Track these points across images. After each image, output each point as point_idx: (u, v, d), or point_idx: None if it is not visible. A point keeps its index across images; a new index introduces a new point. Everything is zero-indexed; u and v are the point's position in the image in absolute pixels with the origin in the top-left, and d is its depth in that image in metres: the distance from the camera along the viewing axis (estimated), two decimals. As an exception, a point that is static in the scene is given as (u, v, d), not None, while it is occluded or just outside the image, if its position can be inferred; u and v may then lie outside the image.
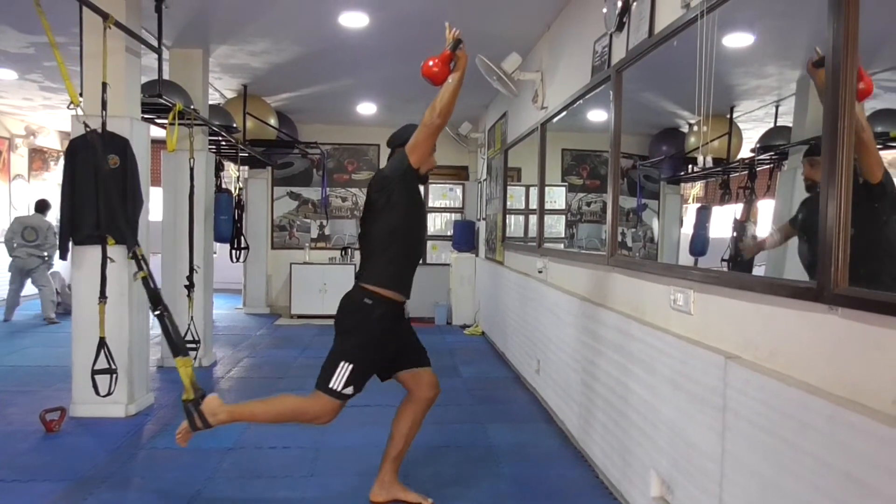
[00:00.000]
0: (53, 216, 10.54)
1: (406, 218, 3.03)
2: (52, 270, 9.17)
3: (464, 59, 2.90)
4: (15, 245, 8.68)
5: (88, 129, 3.99)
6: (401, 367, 3.18)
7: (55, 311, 8.89)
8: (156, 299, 3.64)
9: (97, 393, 4.11)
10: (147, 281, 3.69)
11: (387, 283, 2.98)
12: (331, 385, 2.90)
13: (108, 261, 4.25)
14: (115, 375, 4.19)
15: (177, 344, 3.45)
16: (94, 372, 4.12)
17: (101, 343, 4.13)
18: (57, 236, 8.94)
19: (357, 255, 9.82)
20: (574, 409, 4.06)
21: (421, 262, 9.00)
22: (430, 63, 2.86)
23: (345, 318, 3.01)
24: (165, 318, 3.55)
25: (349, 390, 2.91)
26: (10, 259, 8.76)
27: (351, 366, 2.90)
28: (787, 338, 2.05)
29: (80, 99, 3.86)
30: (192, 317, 5.75)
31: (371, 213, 3.06)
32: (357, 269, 3.11)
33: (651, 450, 2.88)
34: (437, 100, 2.87)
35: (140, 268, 3.74)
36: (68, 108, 3.85)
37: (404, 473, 3.50)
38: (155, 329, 6.07)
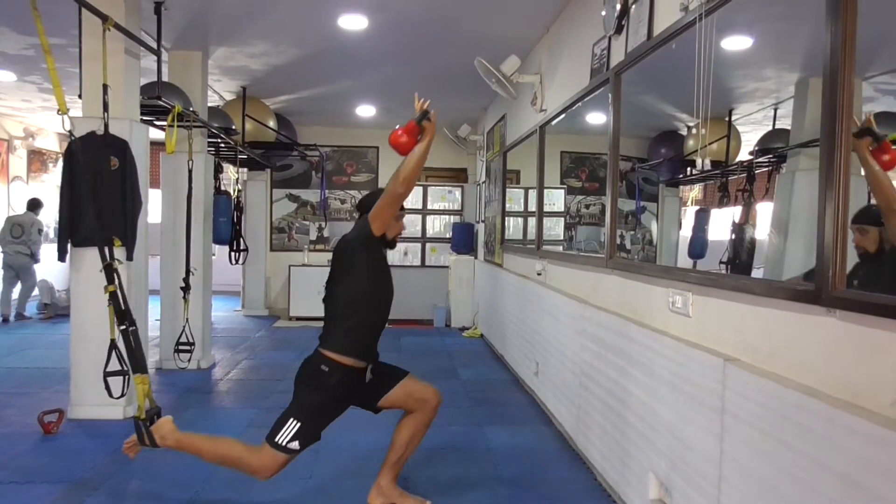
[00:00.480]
0: (51, 217, 10.57)
1: (369, 284, 3.00)
2: (40, 279, 9.27)
3: (430, 130, 2.89)
4: (6, 242, 8.90)
5: (74, 139, 3.96)
6: (377, 396, 3.13)
7: (41, 311, 9.14)
8: (122, 315, 3.64)
9: (110, 395, 4.09)
10: (115, 295, 3.68)
11: (346, 351, 2.95)
12: (276, 439, 2.90)
13: (116, 262, 4.23)
14: (128, 377, 4.17)
15: (137, 361, 3.47)
16: (107, 374, 4.10)
17: (113, 345, 4.11)
18: (42, 233, 9.07)
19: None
20: (572, 412, 4.06)
21: (420, 264, 8.96)
22: (399, 132, 2.86)
23: (301, 380, 3.00)
24: (130, 335, 3.57)
25: (294, 445, 2.91)
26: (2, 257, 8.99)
27: (299, 424, 2.90)
28: (785, 340, 2.05)
29: (70, 105, 3.83)
30: (187, 319, 5.74)
31: (334, 278, 3.04)
32: (321, 331, 3.06)
33: (649, 452, 2.88)
34: (401, 169, 2.86)
35: (110, 281, 3.72)
36: (56, 113, 3.83)
37: (403, 476, 3.50)
38: (154, 331, 6.10)
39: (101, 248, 3.78)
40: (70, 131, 3.88)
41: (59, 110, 3.73)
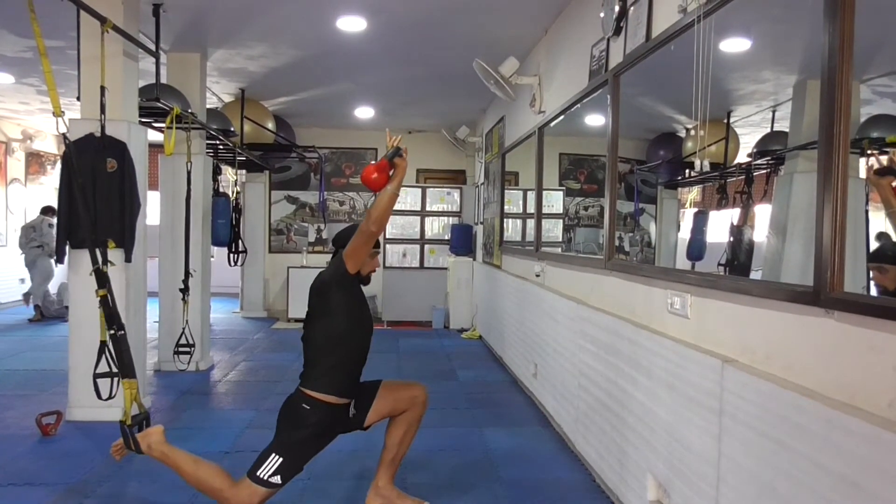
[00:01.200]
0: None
1: (347, 323, 2.98)
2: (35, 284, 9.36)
3: (402, 168, 2.87)
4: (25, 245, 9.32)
5: (67, 142, 3.95)
6: (362, 418, 3.12)
7: (35, 312, 9.23)
8: (112, 319, 3.63)
9: (99, 397, 4.09)
10: (106, 300, 3.67)
11: (327, 390, 2.93)
12: (258, 473, 2.88)
13: (110, 264, 4.23)
14: (117, 378, 4.17)
15: (126, 366, 3.47)
16: (96, 376, 4.10)
17: (103, 346, 4.11)
18: (53, 228, 9.16)
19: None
20: (571, 413, 4.06)
21: (419, 265, 8.97)
22: (370, 169, 2.86)
23: (283, 418, 2.99)
24: (119, 340, 3.57)
25: (276, 479, 2.89)
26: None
27: (281, 459, 2.89)
28: (783, 341, 2.06)
29: (63, 110, 3.82)
30: (186, 321, 5.74)
31: (312, 317, 3.01)
32: (302, 369, 3.04)
33: (648, 453, 2.88)
34: (372, 208, 2.85)
35: (101, 285, 3.71)
36: (53, 115, 3.82)
37: (401, 477, 3.50)
38: (152, 333, 6.09)
39: (93, 251, 3.77)
40: (65, 135, 3.87)
41: (54, 113, 3.72)
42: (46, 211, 9.40)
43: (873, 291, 1.92)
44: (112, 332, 3.60)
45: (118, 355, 3.54)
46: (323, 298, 2.97)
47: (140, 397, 3.36)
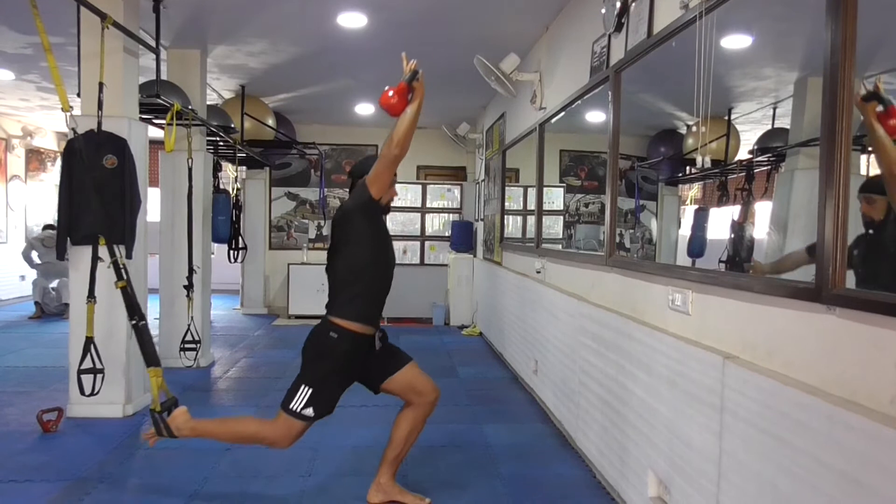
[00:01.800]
0: (50, 216, 10.61)
1: (371, 252, 3.02)
2: (34, 279, 9.33)
3: (420, 91, 2.89)
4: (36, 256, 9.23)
5: (76, 135, 3.96)
6: (381, 377, 3.14)
7: (35, 309, 9.22)
8: (133, 309, 3.66)
9: (82, 392, 4.09)
10: (126, 291, 3.69)
11: (354, 318, 2.96)
12: (291, 406, 2.93)
13: (99, 260, 4.23)
14: (101, 375, 4.16)
15: (150, 354, 3.49)
16: (80, 371, 4.10)
17: (88, 342, 4.10)
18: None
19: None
20: (572, 410, 4.06)
21: (420, 262, 8.98)
22: (389, 94, 2.84)
23: (310, 349, 3.02)
24: (141, 329, 3.60)
25: (309, 412, 2.93)
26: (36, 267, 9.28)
27: (311, 390, 2.93)
28: (784, 338, 2.06)
29: (72, 104, 3.84)
30: (191, 317, 5.74)
31: (336, 248, 3.05)
32: (327, 300, 3.08)
33: (648, 450, 2.88)
34: (394, 131, 2.86)
35: (119, 277, 3.74)
36: (62, 111, 3.84)
37: (402, 473, 3.51)
38: (153, 330, 6.09)
39: (109, 245, 3.81)
40: (73, 129, 3.88)
41: (62, 108, 3.74)
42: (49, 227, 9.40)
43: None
44: (134, 321, 3.65)
45: (141, 345, 3.58)
46: (346, 227, 2.99)
47: (165, 384, 3.40)
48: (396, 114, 2.86)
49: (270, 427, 2.99)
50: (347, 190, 3.15)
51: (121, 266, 3.82)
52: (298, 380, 2.97)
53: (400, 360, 3.18)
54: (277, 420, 2.98)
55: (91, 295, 4.14)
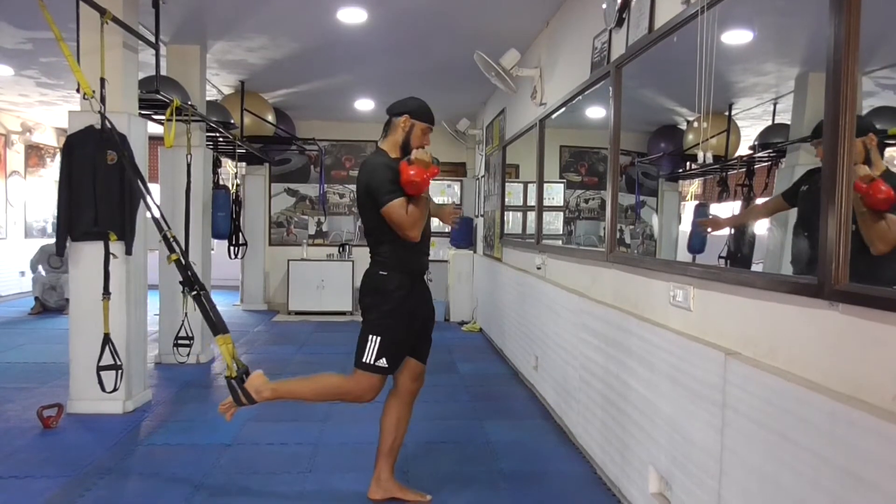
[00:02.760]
0: (49, 212, 10.60)
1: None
2: (34, 275, 9.33)
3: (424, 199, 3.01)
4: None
5: (108, 123, 3.97)
6: (421, 346, 3.24)
7: (35, 304, 9.21)
8: (190, 281, 3.64)
9: (103, 389, 4.11)
10: (180, 262, 3.69)
11: (396, 265, 3.04)
12: (364, 360, 2.98)
13: (112, 257, 4.23)
14: (120, 371, 4.18)
15: (216, 323, 3.45)
16: (100, 368, 4.11)
17: (106, 339, 4.12)
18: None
19: (354, 251, 9.86)
20: (572, 406, 4.06)
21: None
22: (424, 175, 2.90)
23: (365, 296, 3.08)
24: (202, 298, 3.56)
25: (382, 362, 2.97)
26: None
27: (378, 338, 2.97)
28: (787, 334, 2.05)
29: (69, 101, 3.85)
30: (185, 313, 5.73)
31: (366, 210, 3.06)
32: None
33: (649, 446, 2.88)
34: (411, 219, 2.92)
35: (171, 250, 3.73)
36: (83, 98, 3.84)
37: (402, 469, 3.51)
38: (153, 325, 6.09)
39: (156, 221, 3.88)
40: (100, 112, 3.89)
41: (84, 94, 3.73)
42: None
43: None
44: (195, 293, 3.60)
45: (204, 314, 3.53)
46: (372, 199, 2.97)
47: (236, 352, 3.32)
48: (419, 192, 2.93)
49: (352, 383, 3.03)
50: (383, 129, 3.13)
51: (170, 239, 3.77)
52: (364, 332, 3.01)
53: (422, 356, 3.27)
54: (355, 376, 3.02)
55: (106, 291, 4.14)
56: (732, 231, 3.44)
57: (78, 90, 4.40)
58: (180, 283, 5.63)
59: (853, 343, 1.75)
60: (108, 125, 4.04)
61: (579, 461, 3.81)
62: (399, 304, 3.03)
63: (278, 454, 3.85)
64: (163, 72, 5.57)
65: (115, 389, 4.16)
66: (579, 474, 3.63)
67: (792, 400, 1.87)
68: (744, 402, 2.13)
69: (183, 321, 5.72)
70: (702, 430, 2.40)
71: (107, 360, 4.15)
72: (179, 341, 5.73)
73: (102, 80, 4.20)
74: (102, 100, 4.23)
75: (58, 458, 3.71)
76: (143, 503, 3.20)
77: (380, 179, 2.94)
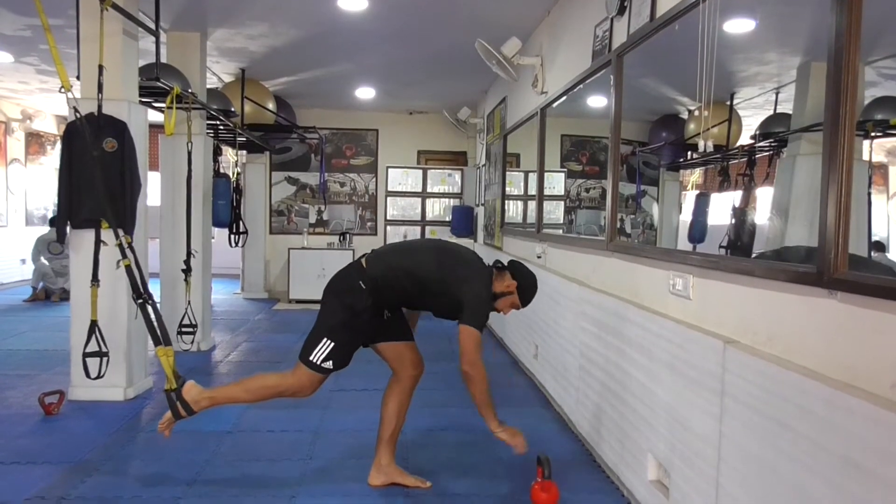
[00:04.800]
0: (49, 199, 10.59)
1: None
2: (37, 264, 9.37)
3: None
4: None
5: (78, 115, 3.95)
6: (382, 337, 3.19)
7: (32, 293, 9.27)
8: (138, 288, 3.65)
9: (87, 376, 4.12)
10: (130, 269, 3.70)
11: (381, 296, 3.03)
12: (311, 358, 2.97)
13: (102, 244, 4.23)
14: (106, 358, 4.18)
15: (158, 333, 3.48)
16: (86, 355, 4.12)
17: (93, 326, 4.12)
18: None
19: (355, 240, 9.88)
20: (572, 394, 4.08)
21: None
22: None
23: (334, 291, 3.04)
24: (148, 307, 3.58)
25: (328, 364, 2.98)
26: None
27: (332, 343, 2.97)
28: (785, 322, 2.06)
29: (72, 83, 3.83)
30: (189, 301, 5.75)
31: (439, 282, 3.03)
32: (369, 252, 3.15)
33: (649, 434, 2.90)
34: (472, 353, 2.98)
35: (124, 255, 3.75)
36: (59, 91, 3.82)
37: (402, 457, 3.53)
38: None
39: (115, 226, 3.83)
40: (75, 108, 3.87)
41: (61, 88, 3.72)
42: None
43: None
44: (140, 301, 3.64)
45: (149, 324, 3.55)
46: (451, 288, 2.99)
47: (175, 365, 3.35)
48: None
49: (292, 379, 3.04)
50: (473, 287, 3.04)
51: (125, 245, 3.82)
52: (319, 331, 3.00)
53: (405, 334, 3.25)
54: (297, 371, 3.02)
55: (95, 278, 4.15)
56: (733, 221, 3.44)
57: (78, 77, 4.41)
58: (182, 270, 5.71)
59: (851, 331, 1.76)
60: (78, 115, 4.01)
61: (578, 448, 3.83)
62: (365, 320, 3.03)
63: (279, 441, 3.86)
64: (163, 59, 5.55)
65: (99, 376, 4.16)
66: (578, 462, 3.65)
67: (790, 388, 1.88)
68: (742, 390, 2.13)
69: (186, 309, 5.73)
70: (700, 418, 2.42)
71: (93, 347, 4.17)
72: (183, 329, 5.74)
73: (101, 68, 4.19)
74: (100, 87, 4.22)
75: (59, 445, 3.73)
76: (145, 489, 3.21)
77: (483, 308, 2.99)
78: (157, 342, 3.46)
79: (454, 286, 2.97)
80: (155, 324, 3.52)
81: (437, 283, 3.01)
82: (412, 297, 3.11)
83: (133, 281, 3.69)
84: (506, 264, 3.18)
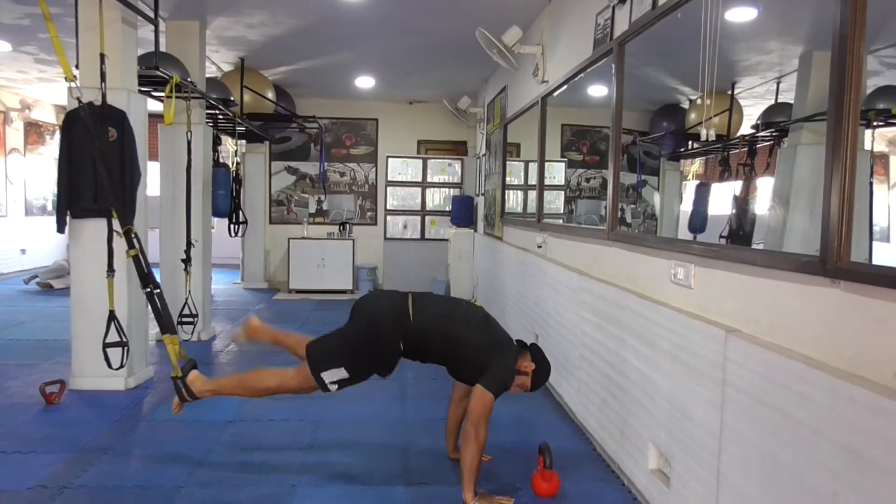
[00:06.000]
0: (49, 189, 10.58)
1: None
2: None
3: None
4: None
5: (82, 104, 3.94)
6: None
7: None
8: (146, 277, 3.66)
9: (109, 366, 4.12)
10: (138, 259, 3.70)
11: (411, 348, 3.10)
12: (322, 375, 3.01)
13: (116, 234, 4.23)
14: (126, 348, 4.20)
15: (165, 322, 3.50)
16: (106, 345, 4.12)
17: (112, 316, 4.12)
18: None
19: (355, 230, 9.88)
20: (572, 384, 4.08)
21: (420, 237, 8.92)
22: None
23: (374, 336, 3.05)
24: (155, 297, 3.60)
25: (333, 388, 3.04)
26: None
27: (348, 375, 3.03)
28: (787, 311, 2.06)
29: (75, 73, 3.81)
30: (189, 291, 5.75)
31: (475, 348, 3.07)
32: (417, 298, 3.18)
33: (649, 423, 2.90)
34: (483, 415, 2.97)
35: (131, 245, 3.75)
36: (65, 80, 3.81)
37: (403, 447, 3.54)
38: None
39: (122, 214, 3.86)
40: (79, 98, 3.85)
41: (66, 77, 3.71)
42: None
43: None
44: (148, 290, 3.67)
45: (156, 313, 3.62)
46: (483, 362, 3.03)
47: (182, 350, 3.47)
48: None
49: (293, 382, 3.10)
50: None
51: (133, 235, 3.82)
52: (342, 352, 3.03)
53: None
54: (302, 373, 3.06)
55: (110, 268, 4.15)
56: (734, 211, 3.44)
57: (77, 67, 4.39)
58: (182, 260, 5.71)
59: (854, 320, 1.76)
60: (84, 115, 4.00)
61: (579, 438, 3.84)
62: (389, 368, 3.11)
63: (280, 430, 3.87)
64: (162, 48, 5.53)
65: (121, 366, 4.18)
66: (578, 451, 3.66)
67: (792, 377, 1.88)
68: (744, 379, 2.14)
69: (186, 299, 5.73)
70: (702, 408, 2.42)
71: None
72: (183, 319, 5.75)
73: (102, 56, 4.17)
74: (103, 76, 4.20)
75: (60, 434, 3.74)
76: (146, 479, 3.22)
77: (506, 379, 3.04)
78: (163, 331, 3.50)
79: (490, 357, 3.03)
80: (162, 313, 3.57)
81: (476, 350, 3.05)
82: (442, 357, 3.15)
83: (140, 270, 3.69)
84: (528, 345, 3.26)
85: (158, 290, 3.70)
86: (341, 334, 3.11)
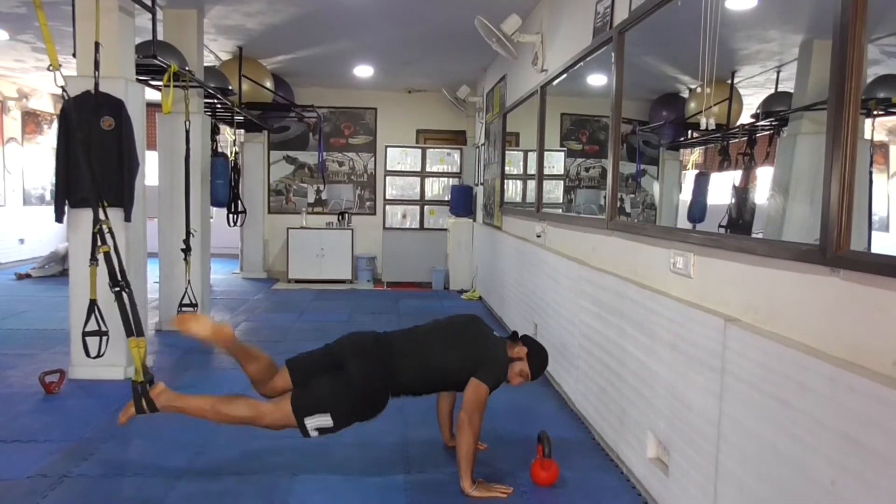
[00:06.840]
0: (47, 179, 10.56)
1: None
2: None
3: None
4: None
5: (66, 97, 3.89)
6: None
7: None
8: (115, 276, 3.62)
9: (87, 355, 4.12)
10: (109, 256, 3.65)
11: (401, 389, 3.10)
12: (305, 419, 2.92)
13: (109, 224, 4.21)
14: (106, 337, 4.18)
15: (131, 324, 3.44)
16: (85, 334, 4.11)
17: (92, 305, 4.11)
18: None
19: (354, 219, 9.86)
20: (571, 373, 4.09)
21: (419, 227, 8.92)
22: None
23: (361, 389, 3.00)
24: (124, 297, 3.53)
25: (314, 434, 2.96)
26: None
27: (332, 423, 2.96)
28: (787, 300, 2.06)
29: (61, 62, 3.76)
30: (189, 280, 5.75)
31: (460, 356, 3.10)
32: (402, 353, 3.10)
33: (648, 412, 2.91)
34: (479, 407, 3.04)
35: (103, 241, 3.70)
36: (48, 69, 3.76)
37: (401, 433, 3.54)
38: (153, 293, 6.10)
39: (95, 209, 3.75)
40: (63, 87, 3.81)
41: (49, 66, 3.67)
42: None
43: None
44: (117, 289, 3.57)
45: (122, 313, 3.51)
46: (473, 367, 3.07)
47: (146, 357, 3.37)
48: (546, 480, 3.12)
49: (269, 419, 2.96)
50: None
51: (106, 231, 3.75)
52: (327, 398, 2.96)
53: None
54: (281, 408, 2.94)
55: (93, 258, 4.13)
56: (733, 200, 3.43)
57: (74, 55, 4.37)
58: (182, 249, 5.70)
59: (854, 309, 1.76)
60: (68, 105, 3.96)
61: (578, 427, 3.85)
62: (373, 417, 3.09)
63: (279, 420, 3.87)
64: (159, 37, 5.50)
65: (99, 355, 4.16)
66: (578, 440, 3.67)
67: (792, 365, 1.88)
68: (743, 368, 2.14)
69: (186, 288, 5.73)
70: (701, 396, 2.42)
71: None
72: (184, 308, 5.75)
73: (97, 45, 4.15)
74: (97, 64, 4.18)
75: (60, 424, 3.74)
76: (145, 468, 3.23)
77: (500, 370, 3.12)
78: (128, 333, 3.43)
79: (476, 364, 3.07)
80: (130, 314, 3.47)
81: (458, 372, 3.09)
82: (432, 388, 3.21)
83: (111, 268, 3.63)
84: (517, 335, 3.30)
85: (128, 291, 3.61)
86: (332, 383, 3.00)
